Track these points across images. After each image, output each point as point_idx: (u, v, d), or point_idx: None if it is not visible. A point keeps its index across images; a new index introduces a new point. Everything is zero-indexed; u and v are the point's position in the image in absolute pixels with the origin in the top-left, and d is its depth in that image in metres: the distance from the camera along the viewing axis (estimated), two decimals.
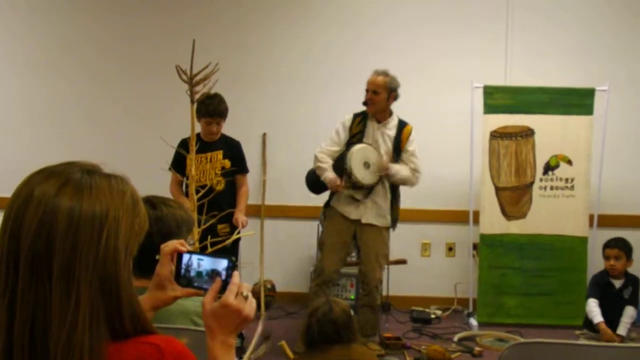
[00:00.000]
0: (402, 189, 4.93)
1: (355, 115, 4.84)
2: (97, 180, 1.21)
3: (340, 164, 4.72)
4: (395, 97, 4.77)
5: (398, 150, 4.78)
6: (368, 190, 4.76)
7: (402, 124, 4.83)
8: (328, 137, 4.89)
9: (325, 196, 4.99)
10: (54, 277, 1.13)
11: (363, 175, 4.68)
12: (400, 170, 4.73)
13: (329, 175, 4.75)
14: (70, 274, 1.13)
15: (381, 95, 4.70)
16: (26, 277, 1.13)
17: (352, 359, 2.90)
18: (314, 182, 4.95)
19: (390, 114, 4.83)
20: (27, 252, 1.13)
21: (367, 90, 4.75)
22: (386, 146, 4.76)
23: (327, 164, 4.79)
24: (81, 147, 5.83)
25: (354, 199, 4.77)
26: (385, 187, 4.80)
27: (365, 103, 4.77)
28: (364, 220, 4.78)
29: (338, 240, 4.82)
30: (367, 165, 4.69)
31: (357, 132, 4.80)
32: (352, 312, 3.08)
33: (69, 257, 1.13)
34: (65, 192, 1.17)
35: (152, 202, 2.16)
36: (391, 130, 4.80)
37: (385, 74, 4.73)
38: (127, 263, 1.21)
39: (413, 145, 4.82)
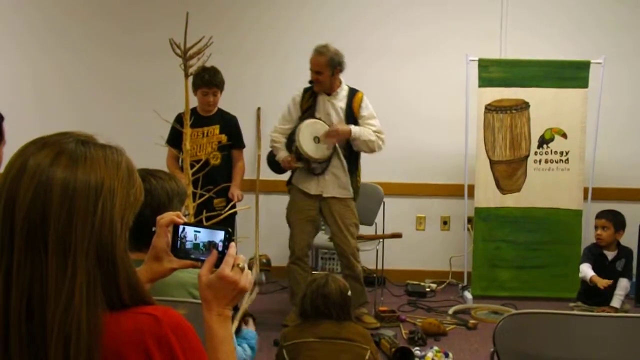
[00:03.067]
0: (398, 163, 4.93)
1: (305, 90, 4.81)
2: (92, 150, 1.20)
3: (291, 141, 4.73)
4: (341, 70, 4.71)
5: (353, 119, 4.74)
6: (325, 164, 4.75)
7: (352, 93, 4.79)
8: (280, 115, 4.89)
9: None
10: (50, 248, 1.13)
11: (313, 150, 4.66)
12: (362, 132, 4.67)
13: (282, 154, 4.79)
14: (66, 245, 1.13)
15: (325, 74, 4.65)
16: (22, 248, 1.13)
17: (341, 336, 2.90)
18: (273, 163, 4.96)
19: (340, 84, 4.78)
20: (22, 223, 1.13)
21: (311, 70, 4.71)
22: (339, 117, 4.73)
23: (280, 143, 4.82)
24: (75, 124, 5.78)
25: (310, 172, 4.75)
26: (341, 159, 4.77)
27: (311, 82, 4.75)
28: (325, 194, 4.78)
29: (302, 217, 4.83)
30: (317, 140, 4.67)
31: (307, 107, 4.78)
32: (349, 293, 3.06)
33: (64, 227, 1.13)
34: (60, 163, 1.16)
35: (141, 175, 2.15)
36: (341, 101, 4.77)
37: (324, 52, 4.65)
38: (123, 234, 1.21)
39: (368, 110, 4.77)
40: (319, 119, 4.73)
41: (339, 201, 4.79)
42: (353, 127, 4.66)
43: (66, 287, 1.12)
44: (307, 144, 4.65)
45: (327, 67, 4.63)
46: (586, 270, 4.85)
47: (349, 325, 2.98)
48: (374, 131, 4.72)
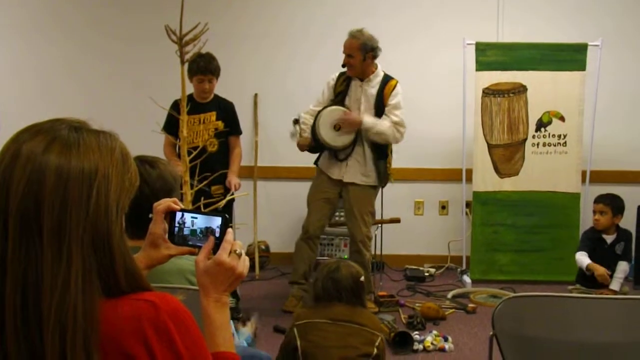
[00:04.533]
0: (395, 148, 4.90)
1: (340, 74, 4.83)
2: (85, 136, 1.19)
3: (314, 126, 4.77)
4: (374, 56, 4.71)
5: (382, 107, 4.74)
6: (348, 150, 4.77)
7: (386, 80, 4.79)
8: (315, 98, 4.92)
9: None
10: (44, 236, 1.12)
11: (331, 137, 4.70)
12: (376, 124, 4.67)
13: (305, 136, 4.82)
14: (60, 233, 1.12)
15: (356, 57, 4.66)
16: (16, 237, 1.12)
17: (353, 320, 2.90)
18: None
19: (374, 70, 4.78)
20: (16, 211, 1.12)
21: (344, 53, 4.72)
22: (368, 104, 4.74)
23: (308, 125, 4.84)
24: (72, 112, 5.75)
25: (334, 158, 4.80)
26: (364, 146, 4.78)
27: (343, 66, 4.76)
28: (346, 179, 4.80)
29: (321, 197, 4.87)
30: (337, 127, 4.69)
31: (340, 91, 4.80)
32: (362, 279, 3.06)
33: (58, 215, 1.12)
34: (53, 150, 1.15)
35: (149, 161, 2.18)
36: (374, 87, 4.77)
37: (358, 36, 4.66)
38: (119, 220, 1.21)
39: (396, 98, 4.75)
40: (345, 105, 4.74)
41: (359, 187, 4.82)
42: (366, 118, 4.67)
43: (61, 276, 1.12)
44: (325, 131, 4.69)
45: (358, 51, 4.64)
46: (582, 259, 4.85)
47: (361, 311, 2.99)
48: (394, 122, 4.70)
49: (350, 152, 4.78)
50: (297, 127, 4.82)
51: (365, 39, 4.66)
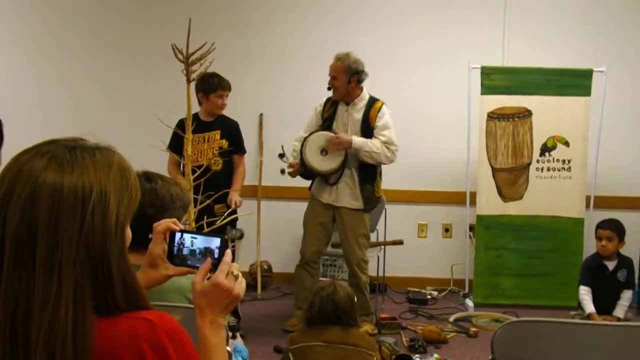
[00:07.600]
0: (400, 170, 4.91)
1: (327, 100, 4.84)
2: (79, 156, 1.19)
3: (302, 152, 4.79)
4: (359, 80, 4.71)
5: (369, 130, 4.72)
6: (338, 174, 4.76)
7: (371, 102, 4.77)
8: (304, 124, 4.93)
9: None
10: (37, 263, 1.11)
11: (318, 162, 4.71)
12: (366, 143, 4.64)
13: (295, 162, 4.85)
14: (53, 258, 1.12)
15: (340, 80, 4.66)
16: (10, 264, 1.12)
17: (348, 341, 2.90)
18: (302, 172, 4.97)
19: (359, 94, 4.77)
20: (12, 238, 1.12)
21: (329, 76, 4.73)
22: (355, 128, 4.74)
23: (298, 152, 4.85)
24: (77, 129, 5.75)
25: (324, 182, 4.80)
26: (352, 169, 4.77)
27: (329, 89, 4.76)
28: (337, 204, 4.80)
29: (315, 222, 4.88)
30: (324, 152, 4.70)
31: (327, 116, 4.81)
32: (355, 299, 3.07)
33: (51, 240, 1.12)
34: (48, 172, 1.15)
35: (148, 175, 2.18)
36: (359, 111, 4.76)
37: (343, 58, 4.67)
38: (118, 238, 1.20)
39: (383, 119, 4.72)
40: (333, 130, 4.74)
41: (350, 211, 4.80)
42: (355, 138, 4.64)
43: (51, 302, 1.11)
44: (312, 156, 4.70)
45: (343, 74, 4.65)
46: (585, 299, 4.83)
47: (355, 331, 2.99)
48: (384, 142, 4.67)
49: (340, 176, 4.77)
50: (285, 159, 4.84)
51: (351, 62, 4.66)
